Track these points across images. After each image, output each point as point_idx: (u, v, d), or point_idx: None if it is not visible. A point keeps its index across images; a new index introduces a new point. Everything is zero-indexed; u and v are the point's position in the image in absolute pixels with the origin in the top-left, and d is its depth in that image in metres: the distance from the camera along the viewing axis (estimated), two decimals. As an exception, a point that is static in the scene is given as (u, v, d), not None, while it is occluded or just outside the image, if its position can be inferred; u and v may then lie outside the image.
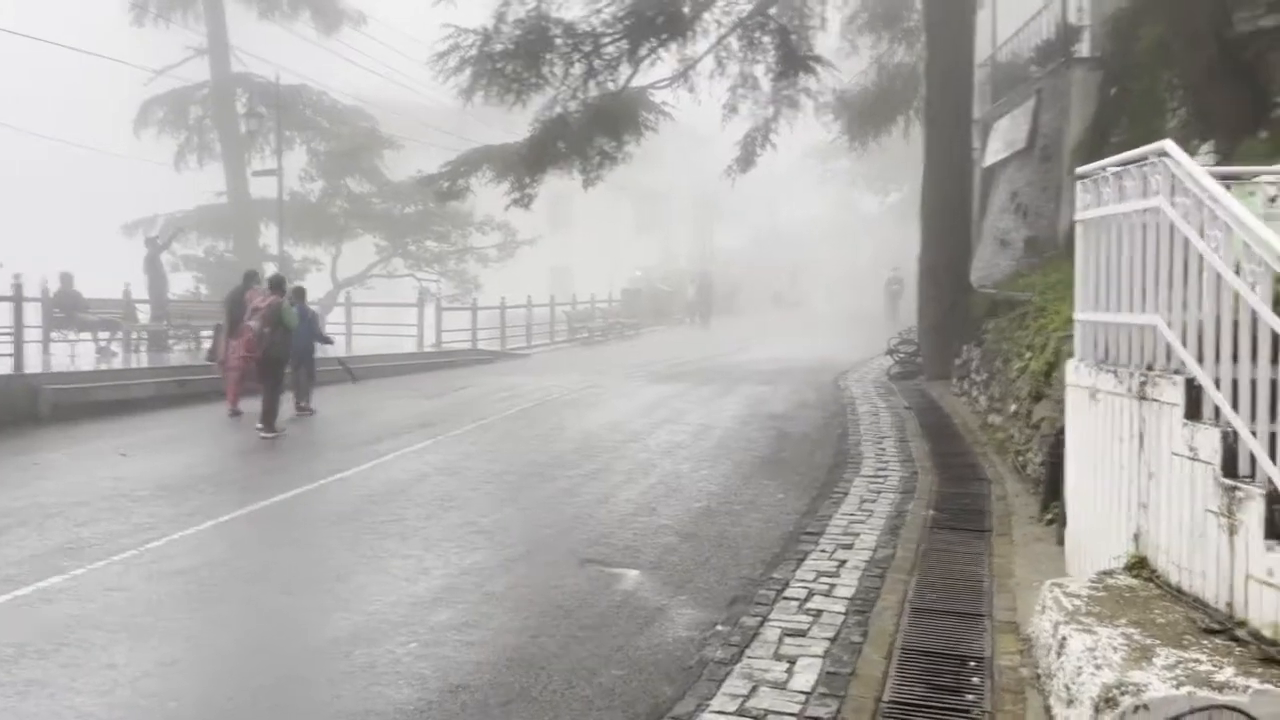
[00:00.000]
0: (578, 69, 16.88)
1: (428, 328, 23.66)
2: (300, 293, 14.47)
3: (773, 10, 17.04)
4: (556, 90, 17.49)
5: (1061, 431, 7.11)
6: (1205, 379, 4.37)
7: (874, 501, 8.14)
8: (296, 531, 7.41)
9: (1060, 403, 8.23)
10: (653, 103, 19.47)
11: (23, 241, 38.25)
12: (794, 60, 16.38)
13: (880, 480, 8.95)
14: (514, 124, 21.30)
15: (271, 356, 11.85)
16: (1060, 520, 6.89)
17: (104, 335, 17.14)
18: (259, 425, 11.51)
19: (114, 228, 29.01)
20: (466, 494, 8.37)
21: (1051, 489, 7.32)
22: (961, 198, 16.59)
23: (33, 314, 16.67)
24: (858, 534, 7.12)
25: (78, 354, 16.78)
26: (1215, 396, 4.27)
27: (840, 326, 34.20)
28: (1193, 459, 4.41)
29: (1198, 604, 4.36)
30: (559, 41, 16.23)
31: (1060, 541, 6.62)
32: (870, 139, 21.89)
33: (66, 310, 16.85)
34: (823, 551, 6.68)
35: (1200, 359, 4.43)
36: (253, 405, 12.25)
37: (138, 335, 18.28)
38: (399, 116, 30.79)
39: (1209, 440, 4.26)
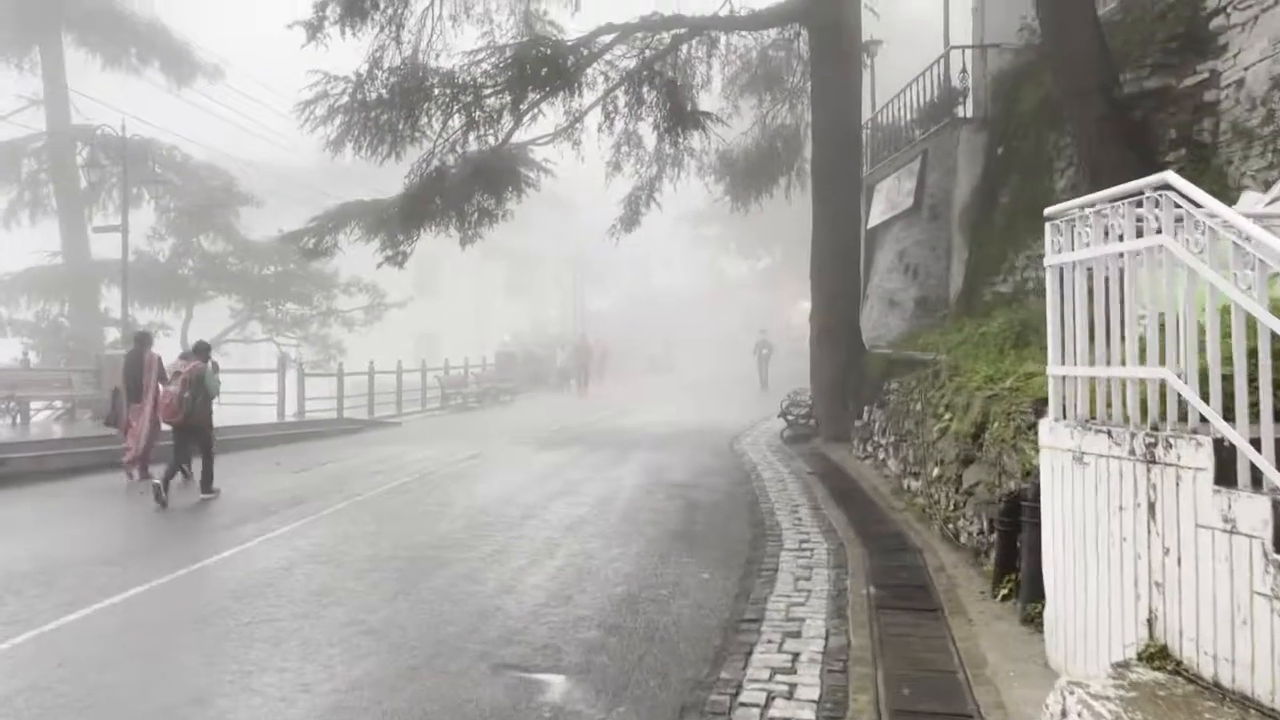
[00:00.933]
0: (457, 121, 16.06)
1: (289, 395, 21.99)
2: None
3: (658, 66, 16.67)
4: (433, 143, 16.61)
5: (1015, 496, 6.55)
6: (1240, 439, 3.78)
7: (807, 579, 7.40)
8: (142, 640, 6.11)
9: (995, 466, 7.77)
10: (533, 160, 18.83)
11: None
12: (682, 116, 15.98)
13: (806, 554, 8.24)
14: (381, 183, 20.29)
15: (194, 422, 11.74)
16: (1021, 597, 6.29)
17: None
18: (202, 493, 11.56)
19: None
20: (348, 585, 7.21)
21: (1005, 561, 6.73)
22: (852, 256, 16.41)
23: None
24: (802, 618, 6.34)
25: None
26: (1258, 459, 3.68)
27: (716, 390, 34.01)
28: (1229, 532, 3.80)
29: (1247, 701, 3.72)
30: (437, 91, 15.38)
31: (1026, 620, 6.00)
32: (752, 199, 21.74)
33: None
34: (770, 642, 5.86)
35: (1231, 417, 3.86)
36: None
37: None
38: (258, 174, 29.24)
39: (1255, 510, 3.65)
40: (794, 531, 9.23)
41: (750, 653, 5.66)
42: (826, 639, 5.92)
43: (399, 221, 16.67)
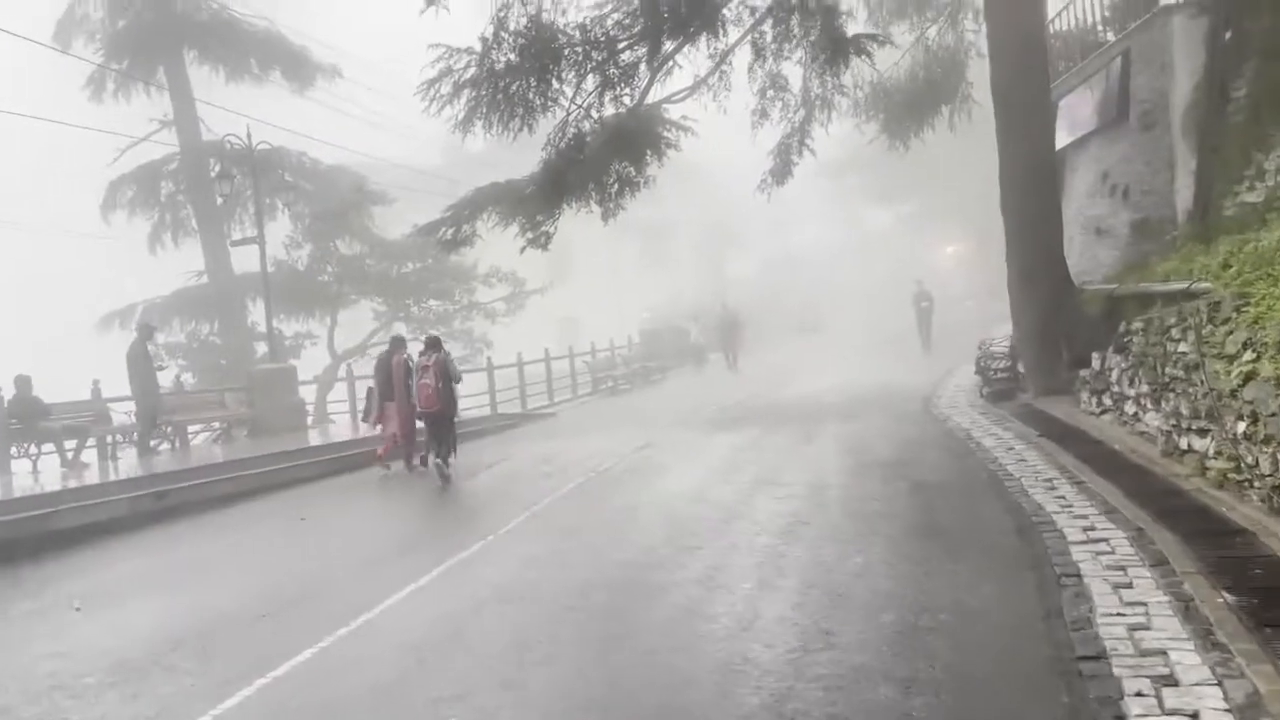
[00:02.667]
0: (590, 82, 14.65)
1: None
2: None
3: (797, -3, 14.82)
4: (567, 110, 15.27)
5: None
6: None
7: (1127, 584, 5.69)
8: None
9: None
10: (670, 120, 17.29)
11: (-5, 346, 36.10)
12: (839, 43, 14.10)
13: (1101, 546, 6.51)
14: (508, 167, 19.20)
15: (446, 408, 13.05)
16: None
17: (70, 444, 14.67)
18: (444, 463, 12.85)
19: (88, 321, 26.72)
20: (551, 631, 5.89)
21: None
22: (1049, 184, 14.25)
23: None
24: (1160, 649, 4.67)
25: (41, 470, 14.33)
26: None
27: (876, 349, 31.86)
28: None
29: None
30: (568, 51, 14.00)
31: None
32: (912, 134, 19.63)
33: (24, 419, 14.42)
34: (1141, 695, 4.23)
35: None
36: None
37: (112, 440, 15.84)
38: (385, 172, 28.73)
39: None
40: (1065, 516, 7.47)
41: (1124, 717, 4.05)
42: (1220, 685, 4.24)
43: (539, 200, 15.45)
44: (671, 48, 14.77)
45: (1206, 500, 7.53)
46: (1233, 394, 7.81)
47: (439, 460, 12.88)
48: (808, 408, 17.22)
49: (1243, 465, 7.52)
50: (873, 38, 14.52)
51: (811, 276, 60.18)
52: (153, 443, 16.01)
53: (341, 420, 22.59)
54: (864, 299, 56.53)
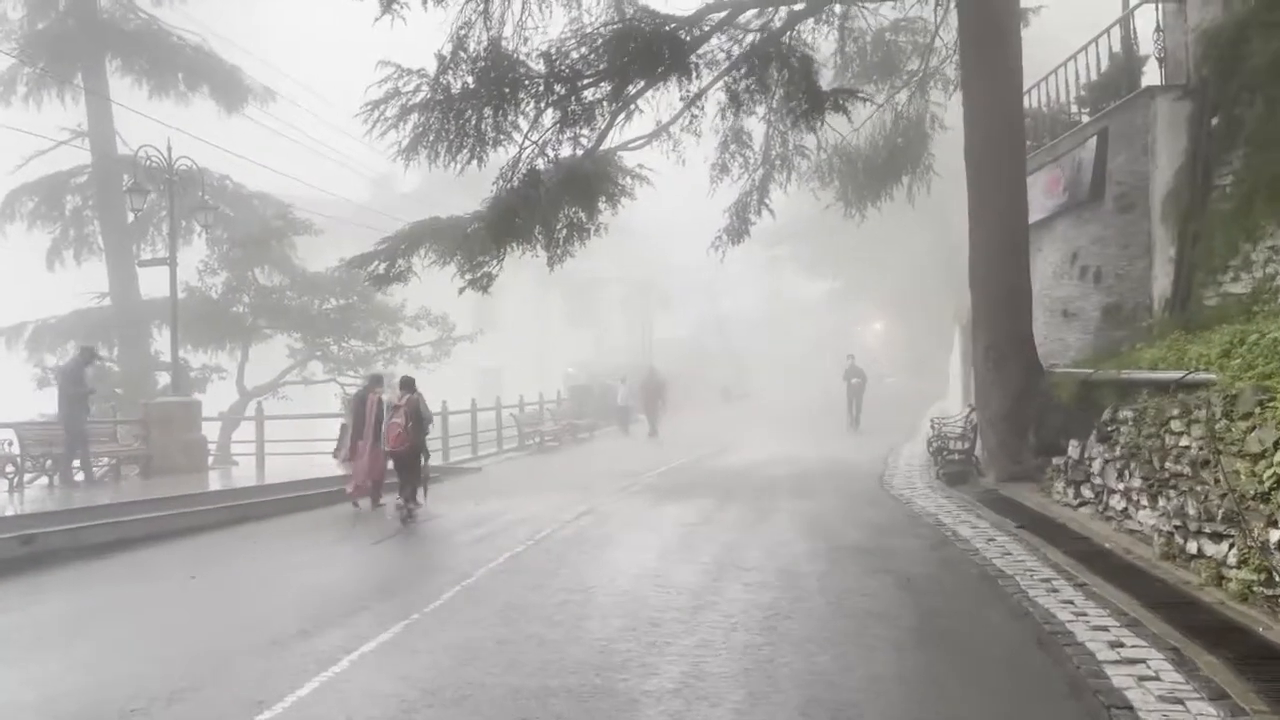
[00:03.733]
0: (549, 117, 13.70)
1: (357, 442, 19.59)
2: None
3: (771, 49, 14.15)
4: (520, 145, 14.27)
5: None
6: None
7: (1194, 726, 4.77)
8: None
9: None
10: (626, 167, 16.50)
11: None
12: (817, 98, 13.42)
13: (1142, 669, 5.60)
14: (439, 207, 18.25)
15: (413, 448, 13.20)
16: None
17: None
18: (406, 505, 12.91)
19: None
20: (499, 758, 4.69)
21: None
22: (1020, 259, 13.73)
23: None
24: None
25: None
26: None
27: (807, 420, 31.26)
28: None
29: None
30: (528, 81, 13.03)
31: None
32: (869, 204, 19.13)
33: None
34: None
35: None
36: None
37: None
38: (313, 203, 27.27)
39: None
40: (1083, 627, 6.57)
41: None
42: None
43: (485, 239, 14.34)
44: (637, 89, 13.93)
45: (1233, 615, 6.71)
46: (1261, 497, 7.06)
47: (400, 501, 12.99)
48: (754, 480, 16.26)
49: (1276, 577, 6.73)
50: (852, 94, 13.90)
51: (738, 343, 60.00)
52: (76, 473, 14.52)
53: (246, 462, 20.86)
54: (788, 368, 56.42)
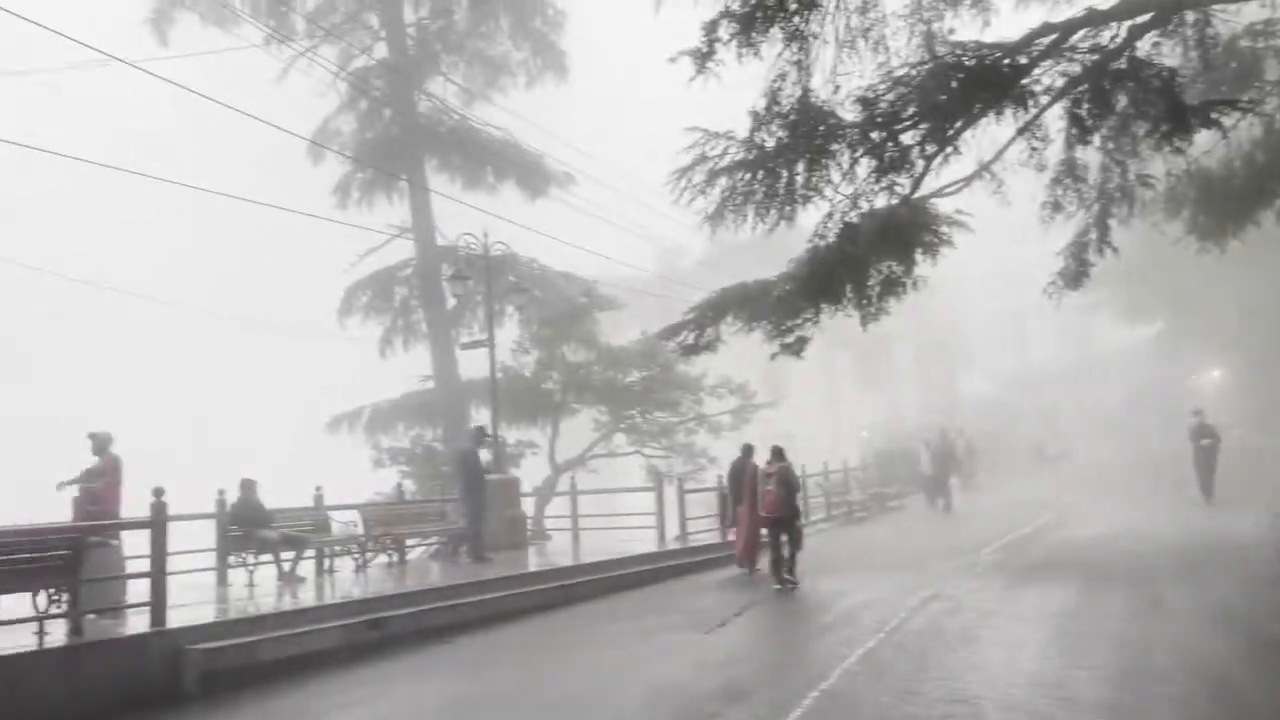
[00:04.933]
0: (864, 166, 12.81)
1: (669, 516, 19.26)
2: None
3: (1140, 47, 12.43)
4: (831, 200, 13.46)
5: None
6: None
7: None
8: None
9: None
10: (942, 213, 15.23)
11: (234, 444, 37.54)
12: (1181, 114, 11.61)
13: None
14: (727, 274, 17.76)
15: (787, 515, 13.73)
16: None
17: (287, 556, 13.70)
18: (785, 577, 13.43)
19: (318, 423, 26.94)
20: None
21: None
22: None
23: (206, 534, 13.67)
24: None
25: (256, 584, 13.36)
26: None
27: (1145, 487, 27.44)
28: None
29: None
30: (841, 131, 12.24)
31: None
32: (1233, 233, 16.57)
33: (245, 526, 13.60)
34: None
35: None
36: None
37: (330, 554, 14.80)
38: (608, 279, 27.91)
39: None
40: None
41: None
42: None
43: (796, 301, 13.59)
44: (957, 127, 12.75)
45: None
46: None
47: (775, 563, 13.66)
48: (1113, 559, 14.18)
49: None
50: (1230, 104, 11.95)
51: (1048, 399, 55.33)
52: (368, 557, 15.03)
53: (559, 537, 21.08)
54: (1105, 425, 51.08)
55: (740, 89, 13.21)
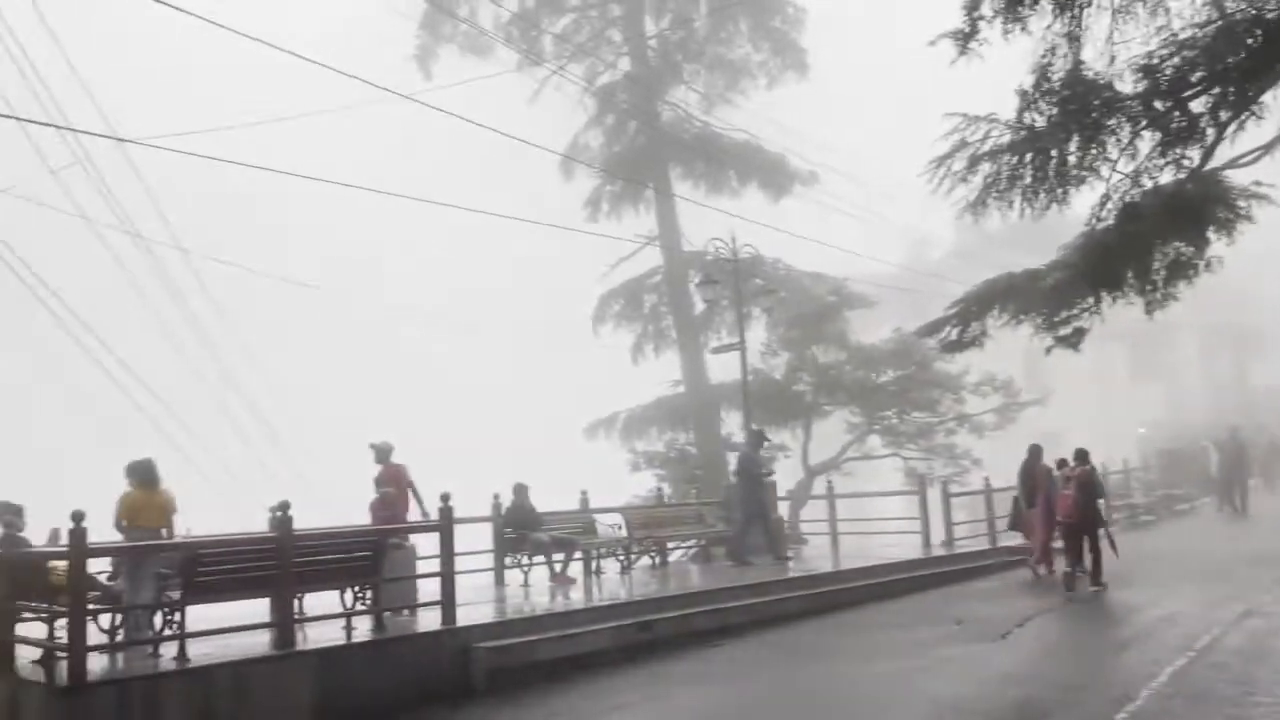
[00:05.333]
0: (1145, 140, 11.71)
1: (934, 521, 18.44)
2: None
3: None
4: (1107, 178, 12.39)
5: None
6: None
7: None
8: None
9: None
10: (1238, 186, 13.67)
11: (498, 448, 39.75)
12: None
13: None
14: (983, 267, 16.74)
15: (1085, 521, 13.29)
16: None
17: (558, 558, 14.23)
18: (1089, 579, 12.98)
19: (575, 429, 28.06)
20: None
21: None
22: None
23: (482, 536, 14.43)
24: None
25: (530, 584, 13.96)
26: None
27: None
28: None
29: None
30: (1119, 103, 11.25)
31: None
32: None
33: (519, 529, 14.25)
34: None
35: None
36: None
37: (597, 555, 15.25)
38: (854, 275, 27.22)
39: None
40: None
41: None
42: None
43: (1073, 289, 12.62)
44: (1258, 87, 11.39)
45: None
46: None
47: (1069, 570, 13.32)
48: None
49: None
50: None
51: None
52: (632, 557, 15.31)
53: (815, 542, 20.69)
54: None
55: (989, 74, 12.51)
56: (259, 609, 9.41)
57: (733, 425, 25.48)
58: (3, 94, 8.27)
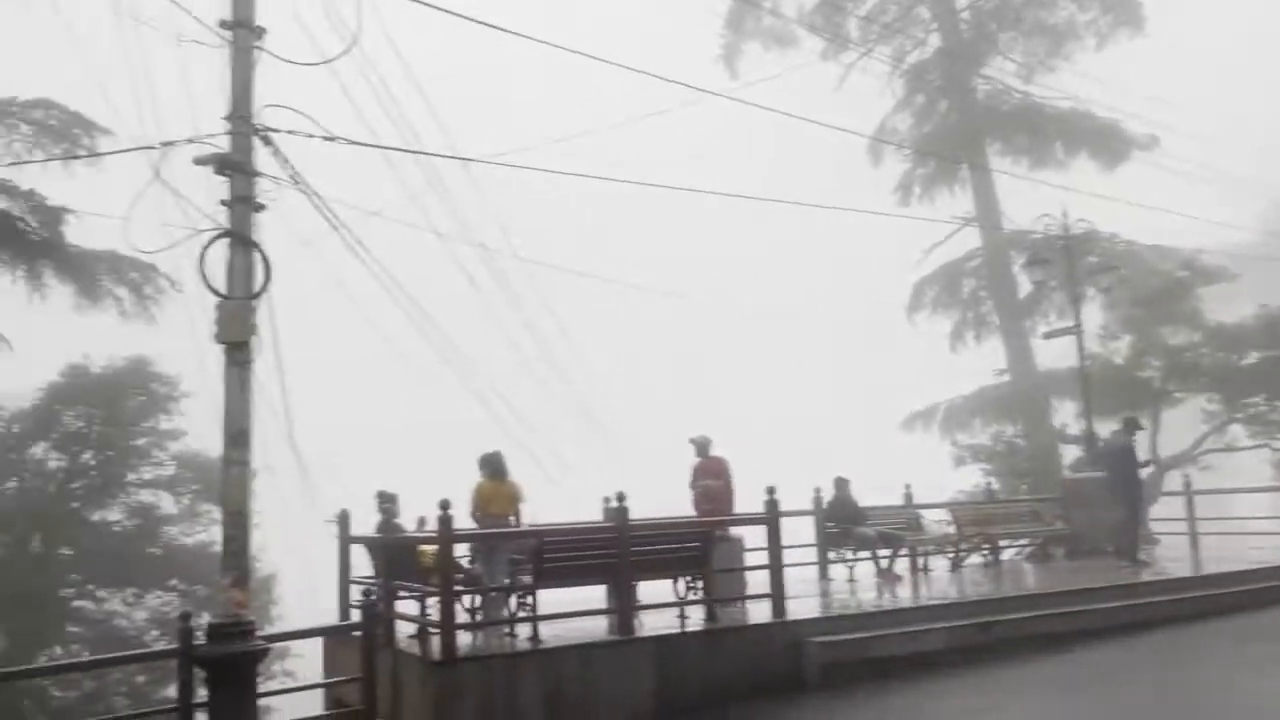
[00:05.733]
0: None
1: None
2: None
3: None
4: None
5: None
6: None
7: None
8: None
9: None
10: None
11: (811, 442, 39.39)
12: None
13: None
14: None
15: None
16: None
17: (883, 554, 13.80)
18: None
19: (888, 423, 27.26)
20: None
21: None
22: None
23: (803, 531, 14.27)
24: None
25: (856, 579, 13.65)
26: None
27: None
28: None
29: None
30: None
31: None
32: None
33: (841, 523, 13.98)
34: None
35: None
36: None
37: (924, 552, 14.65)
38: (1213, 250, 24.29)
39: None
40: None
41: None
42: None
43: None
44: None
45: None
46: None
47: None
48: None
49: None
50: None
51: None
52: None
53: (1169, 542, 18.57)
54: None
55: None
56: (592, 595, 9.87)
57: (1065, 415, 23.69)
58: (369, 126, 9.19)
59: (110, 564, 19.50)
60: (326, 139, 8.51)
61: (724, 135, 42.94)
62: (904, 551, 14.20)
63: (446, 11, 9.21)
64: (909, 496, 15.52)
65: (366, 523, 11.13)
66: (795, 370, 52.55)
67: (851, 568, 13.88)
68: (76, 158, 15.70)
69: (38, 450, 20.00)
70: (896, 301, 27.38)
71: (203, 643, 7.64)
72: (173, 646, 8.70)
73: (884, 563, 13.84)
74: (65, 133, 16.24)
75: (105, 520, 20.53)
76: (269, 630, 10.88)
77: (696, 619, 9.88)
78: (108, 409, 20.27)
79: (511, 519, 10.58)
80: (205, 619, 9.18)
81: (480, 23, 9.90)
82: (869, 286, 42.75)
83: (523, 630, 9.23)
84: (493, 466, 10.61)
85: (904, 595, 12.41)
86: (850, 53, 25.87)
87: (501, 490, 10.58)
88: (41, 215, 15.33)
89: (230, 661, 7.36)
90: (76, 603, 19.61)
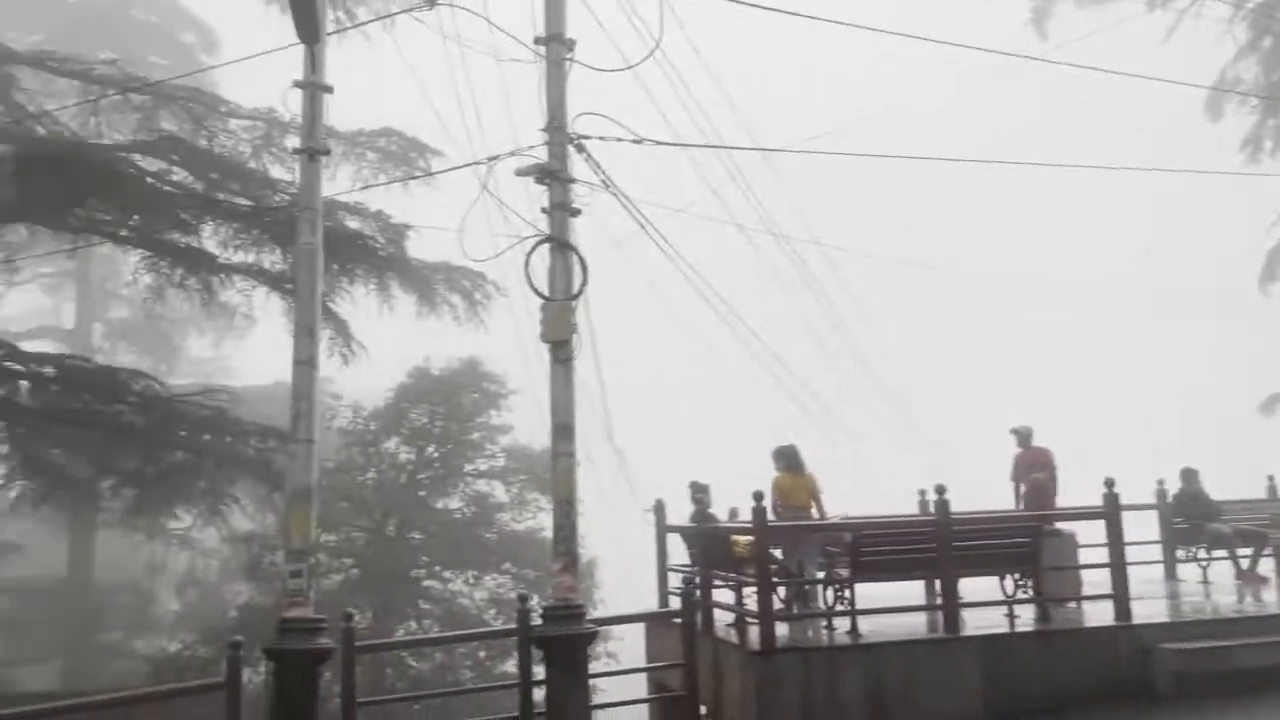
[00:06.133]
0: None
1: None
2: None
3: None
4: None
5: None
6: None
7: None
8: None
9: None
10: None
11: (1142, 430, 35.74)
12: None
13: None
14: None
15: None
16: None
17: (1244, 553, 12.25)
18: None
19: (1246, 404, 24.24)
20: None
21: None
22: None
23: (1143, 526, 12.97)
24: None
25: (1211, 581, 12.24)
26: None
27: None
28: None
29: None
30: None
31: None
32: None
33: (1191, 519, 12.57)
34: None
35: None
36: None
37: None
38: None
39: None
40: None
41: None
42: None
43: None
44: None
45: None
46: None
47: None
48: None
49: None
50: None
51: None
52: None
53: None
54: None
55: None
56: (910, 590, 9.52)
57: None
58: (673, 127, 9.40)
59: (452, 547, 21.37)
60: (634, 142, 8.79)
61: (1035, 105, 40.00)
62: (1267, 551, 12.55)
63: (751, 5, 9.14)
64: (1272, 489, 13.69)
65: (680, 512, 11.42)
66: (1116, 351, 47.62)
67: (1205, 568, 12.47)
68: (414, 178, 17.33)
69: (390, 444, 22.25)
70: (1246, 270, 24.31)
71: (539, 624, 8.14)
72: (511, 626, 9.33)
73: (1244, 563, 12.32)
74: (404, 156, 17.96)
75: (447, 507, 22.48)
76: (594, 614, 11.42)
77: (1026, 618, 9.31)
78: (447, 406, 22.19)
79: (813, 511, 10.48)
80: (536, 601, 9.82)
81: (785, 12, 9.71)
82: (1205, 255, 38.35)
83: (840, 624, 9.09)
84: (788, 459, 10.57)
85: (1270, 600, 11.00)
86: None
87: (799, 482, 10.51)
88: (388, 233, 16.98)
89: (564, 642, 7.78)
90: (426, 582, 21.63)
